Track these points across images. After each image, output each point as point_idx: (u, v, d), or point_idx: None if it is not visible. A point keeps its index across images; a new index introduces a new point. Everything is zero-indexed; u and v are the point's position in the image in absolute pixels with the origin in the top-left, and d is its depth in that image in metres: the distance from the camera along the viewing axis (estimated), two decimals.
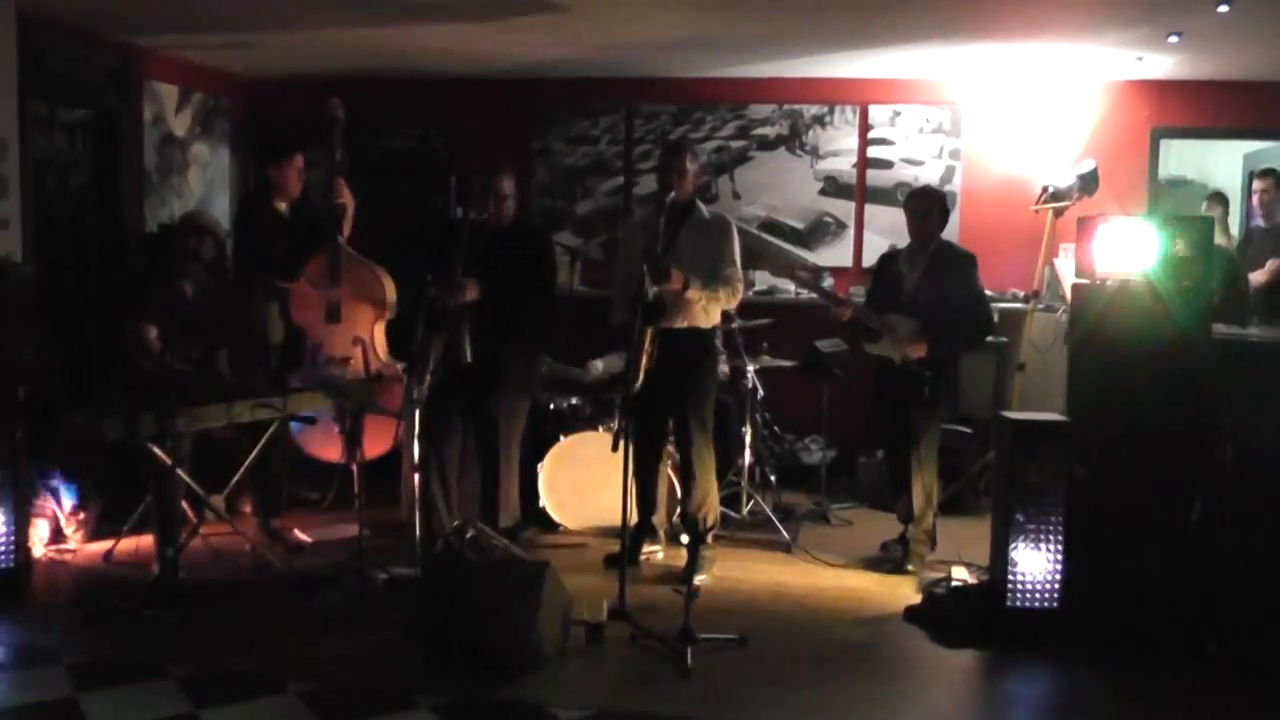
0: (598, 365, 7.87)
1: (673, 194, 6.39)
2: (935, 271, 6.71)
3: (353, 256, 7.57)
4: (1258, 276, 8.30)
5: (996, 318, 7.74)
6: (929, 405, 6.66)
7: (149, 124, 8.91)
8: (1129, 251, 5.54)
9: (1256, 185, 8.52)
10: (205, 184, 9.62)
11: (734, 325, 7.43)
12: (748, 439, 7.71)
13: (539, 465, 7.30)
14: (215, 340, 6.86)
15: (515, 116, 9.93)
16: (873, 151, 9.51)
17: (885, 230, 9.31)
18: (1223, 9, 6.52)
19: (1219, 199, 9.03)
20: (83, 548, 6.82)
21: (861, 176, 9.54)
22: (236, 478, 6.95)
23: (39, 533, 6.64)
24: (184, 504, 6.40)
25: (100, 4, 7.40)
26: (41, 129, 7.97)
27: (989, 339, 7.79)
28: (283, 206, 7.61)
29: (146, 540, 6.34)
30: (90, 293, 8.01)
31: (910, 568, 6.69)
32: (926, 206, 6.79)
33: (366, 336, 7.46)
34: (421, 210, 9.53)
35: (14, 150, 7.35)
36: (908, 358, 6.60)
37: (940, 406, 6.76)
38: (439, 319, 6.24)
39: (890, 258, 7.11)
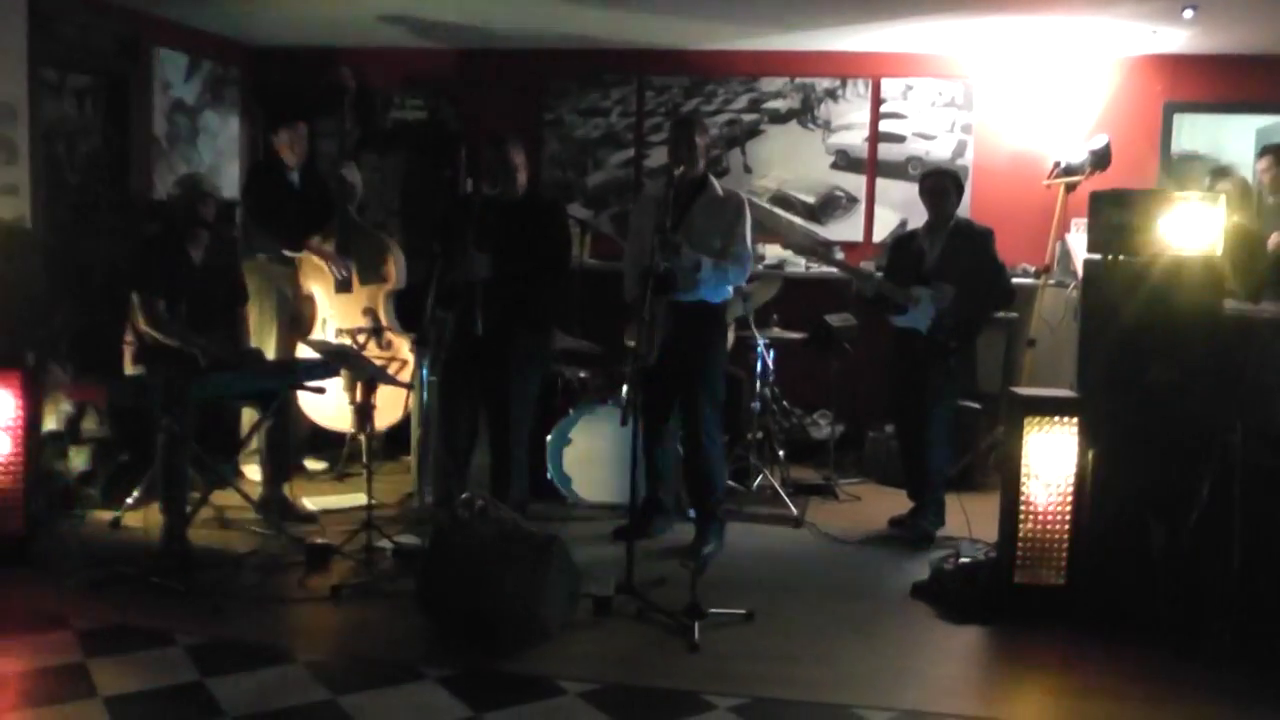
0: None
1: (681, 168, 6.34)
2: (954, 248, 6.78)
3: (361, 227, 7.57)
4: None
5: None
6: (950, 377, 6.72)
7: (158, 91, 8.89)
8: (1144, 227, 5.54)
9: (1259, 164, 8.43)
10: (215, 152, 9.60)
11: (745, 294, 7.41)
12: (756, 413, 7.70)
13: (548, 438, 7.29)
14: (231, 302, 6.85)
15: (526, 87, 9.90)
16: (884, 125, 9.47)
17: (897, 205, 9.29)
18: None
19: (1224, 173, 8.89)
20: (92, 514, 6.84)
21: (873, 150, 9.50)
22: (245, 446, 6.96)
23: (48, 498, 6.64)
24: (192, 470, 6.40)
25: None
26: (51, 95, 7.95)
27: (1001, 313, 7.79)
28: (292, 175, 7.61)
29: (155, 507, 6.35)
30: (99, 258, 8.01)
31: (925, 525, 6.76)
32: (942, 186, 6.86)
33: (376, 307, 7.46)
34: (431, 181, 9.50)
35: (24, 116, 7.34)
36: (935, 326, 6.65)
37: (960, 379, 6.80)
38: (451, 293, 6.23)
39: (909, 236, 7.18)
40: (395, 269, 7.61)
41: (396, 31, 9.00)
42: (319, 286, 7.55)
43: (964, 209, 8.24)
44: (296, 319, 7.61)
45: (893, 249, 7.29)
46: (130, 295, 6.49)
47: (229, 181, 9.61)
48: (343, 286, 7.45)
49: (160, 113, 8.91)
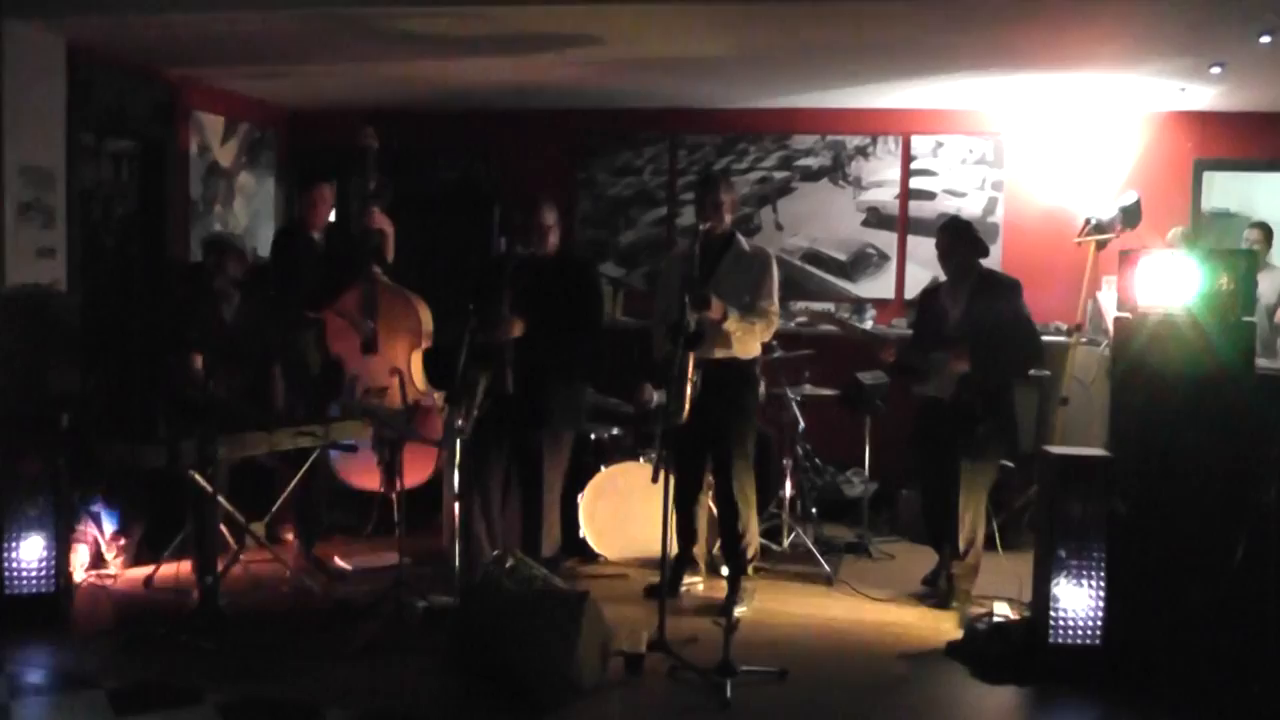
0: (648, 388, 7.83)
1: (709, 224, 6.38)
2: (978, 303, 6.59)
3: (388, 286, 7.60)
4: None
5: None
6: (980, 444, 6.56)
7: (195, 154, 9.00)
8: (1172, 285, 5.52)
9: None
10: (250, 214, 9.69)
11: (775, 355, 7.42)
12: (789, 471, 7.68)
13: (579, 495, 7.30)
14: (263, 360, 6.89)
15: (559, 147, 9.98)
16: (915, 182, 9.49)
17: (927, 262, 9.24)
18: (1264, 40, 6.50)
19: (1255, 226, 8.87)
20: (123, 573, 6.87)
21: (904, 207, 9.51)
22: (277, 505, 6.98)
23: (80, 558, 6.69)
24: (224, 530, 6.43)
25: (148, 37, 7.49)
26: (88, 159, 8.06)
27: (1033, 371, 7.71)
28: (316, 238, 7.67)
29: (187, 566, 6.38)
30: (134, 321, 8.08)
31: (955, 604, 6.63)
32: (946, 245, 6.71)
33: (403, 366, 7.48)
34: (466, 241, 9.56)
35: (61, 180, 7.42)
36: (958, 395, 6.51)
37: (997, 445, 6.67)
38: (482, 351, 6.26)
39: (932, 292, 7.04)
40: (422, 327, 7.62)
41: (431, 93, 9.09)
42: (346, 347, 7.58)
43: (995, 266, 8.24)
44: (324, 380, 7.63)
45: (919, 307, 7.19)
46: (169, 356, 6.54)
47: (264, 243, 9.70)
48: (369, 347, 7.48)
49: (196, 175, 9.02)
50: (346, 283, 7.49)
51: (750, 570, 6.75)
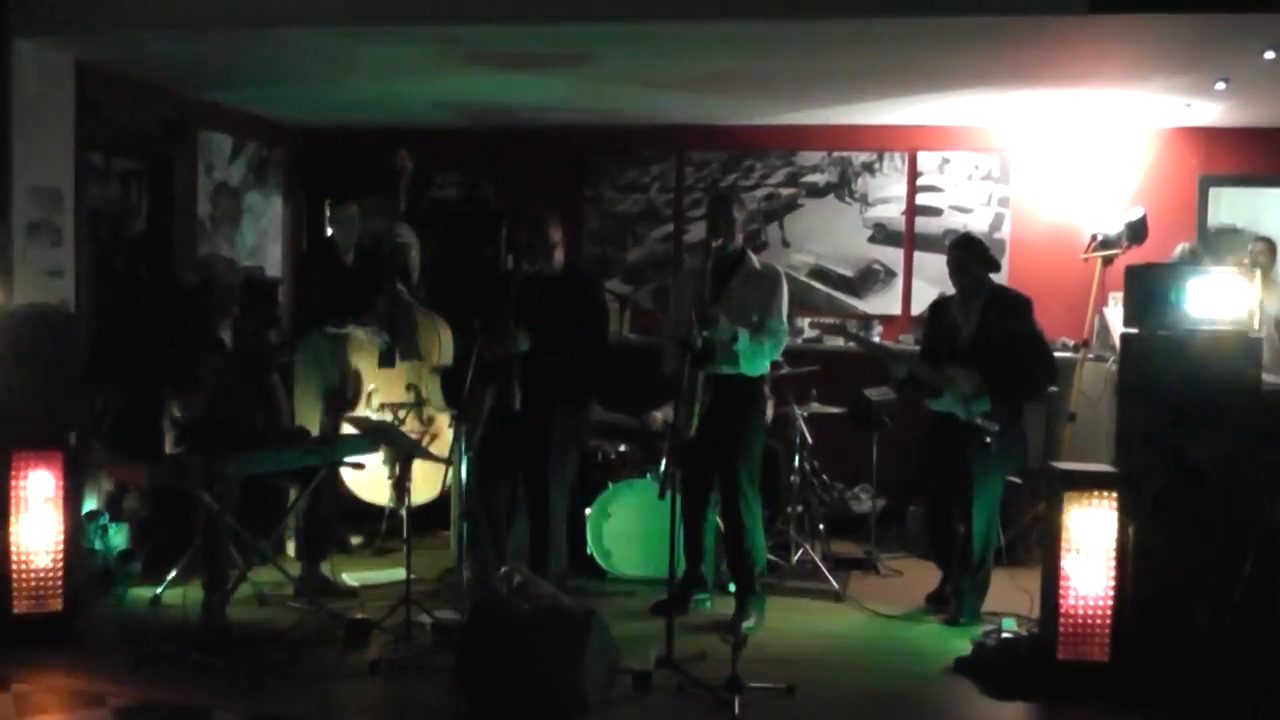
0: (657, 416, 7.85)
1: (720, 241, 6.39)
2: (990, 319, 6.61)
3: (410, 303, 7.61)
4: None
5: None
6: (993, 461, 6.55)
7: (203, 173, 9.01)
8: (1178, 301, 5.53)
9: None
10: (258, 233, 9.71)
11: (782, 372, 7.42)
12: (796, 487, 7.68)
13: (586, 512, 7.29)
14: (263, 377, 6.92)
15: (566, 164, 9.99)
16: (921, 199, 9.49)
17: (934, 278, 9.26)
18: (1269, 56, 6.50)
19: (1267, 243, 8.87)
20: (131, 591, 6.87)
21: (910, 224, 9.52)
22: (284, 522, 6.98)
23: (88, 576, 6.68)
24: (231, 548, 6.43)
25: (157, 56, 7.52)
26: (96, 178, 8.08)
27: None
28: (345, 256, 7.68)
29: (194, 584, 6.38)
30: (142, 340, 8.09)
31: (963, 620, 6.62)
32: (958, 260, 6.72)
33: (419, 382, 7.49)
34: (472, 259, 9.57)
35: (69, 199, 7.44)
36: (973, 413, 6.52)
37: (1005, 461, 6.66)
38: (489, 368, 6.27)
39: (943, 305, 7.02)
40: (440, 346, 7.63)
41: (439, 112, 9.12)
42: (364, 361, 7.59)
43: (1003, 282, 8.24)
44: (341, 394, 7.64)
45: (929, 321, 7.19)
46: (165, 382, 6.56)
47: (272, 260, 9.73)
48: (385, 361, 7.48)
49: (204, 194, 9.03)
50: (371, 298, 7.51)
51: (758, 587, 6.74)
